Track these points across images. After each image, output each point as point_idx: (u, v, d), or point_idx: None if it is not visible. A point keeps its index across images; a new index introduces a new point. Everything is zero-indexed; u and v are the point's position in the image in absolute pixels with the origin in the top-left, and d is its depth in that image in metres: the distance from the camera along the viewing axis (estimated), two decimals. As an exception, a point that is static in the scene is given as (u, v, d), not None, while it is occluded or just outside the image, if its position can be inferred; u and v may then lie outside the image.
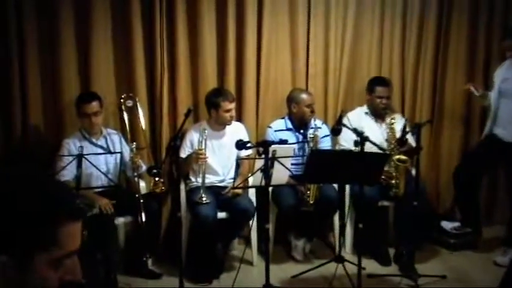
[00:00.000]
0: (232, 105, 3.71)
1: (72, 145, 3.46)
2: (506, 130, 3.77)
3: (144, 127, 3.66)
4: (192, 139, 3.72)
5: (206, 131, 3.59)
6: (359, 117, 4.00)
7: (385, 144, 3.77)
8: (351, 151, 3.52)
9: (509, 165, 3.89)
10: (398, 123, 3.81)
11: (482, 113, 4.34)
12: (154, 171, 3.32)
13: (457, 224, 4.14)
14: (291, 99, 3.96)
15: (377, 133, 3.90)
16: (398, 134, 3.69)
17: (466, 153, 4.41)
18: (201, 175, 3.58)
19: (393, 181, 3.72)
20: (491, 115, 3.86)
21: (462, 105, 4.46)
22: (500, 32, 4.30)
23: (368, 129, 3.85)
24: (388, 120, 3.89)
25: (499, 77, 3.85)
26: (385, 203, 3.92)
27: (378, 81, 4.03)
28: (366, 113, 4.05)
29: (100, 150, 3.54)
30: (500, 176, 4.45)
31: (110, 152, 3.56)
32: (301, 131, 3.95)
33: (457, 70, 4.41)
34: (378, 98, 3.96)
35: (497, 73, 3.89)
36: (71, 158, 3.29)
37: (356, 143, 3.21)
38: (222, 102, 3.65)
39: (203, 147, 3.55)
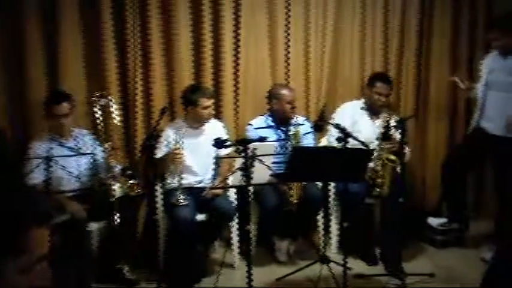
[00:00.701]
0: (211, 102, 3.58)
1: (39, 148, 3.30)
2: (494, 123, 3.68)
3: (119, 125, 3.52)
4: (168, 138, 3.58)
5: (183, 130, 3.46)
6: (353, 110, 3.91)
7: (375, 142, 3.65)
8: (333, 147, 3.41)
9: (496, 159, 3.81)
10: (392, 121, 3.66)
11: (468, 106, 4.28)
12: (129, 172, 3.24)
13: (444, 220, 4.08)
14: (272, 95, 3.86)
15: (369, 129, 3.81)
16: (392, 133, 3.56)
17: (452, 147, 4.36)
18: (178, 176, 3.45)
19: (379, 180, 3.61)
20: (479, 108, 3.77)
21: (447, 98, 4.40)
22: (484, 23, 4.25)
23: (361, 124, 3.82)
24: (382, 118, 3.76)
25: (486, 68, 3.76)
26: (371, 201, 3.82)
27: (379, 77, 3.90)
28: (362, 107, 3.94)
29: (70, 152, 3.37)
30: (488, 171, 4.37)
31: (80, 154, 3.39)
32: (283, 128, 3.84)
33: (441, 63, 4.35)
34: (377, 95, 3.83)
35: (484, 64, 3.79)
36: (39, 161, 3.14)
37: (339, 139, 3.10)
38: (200, 98, 3.52)
39: (180, 146, 3.42)
